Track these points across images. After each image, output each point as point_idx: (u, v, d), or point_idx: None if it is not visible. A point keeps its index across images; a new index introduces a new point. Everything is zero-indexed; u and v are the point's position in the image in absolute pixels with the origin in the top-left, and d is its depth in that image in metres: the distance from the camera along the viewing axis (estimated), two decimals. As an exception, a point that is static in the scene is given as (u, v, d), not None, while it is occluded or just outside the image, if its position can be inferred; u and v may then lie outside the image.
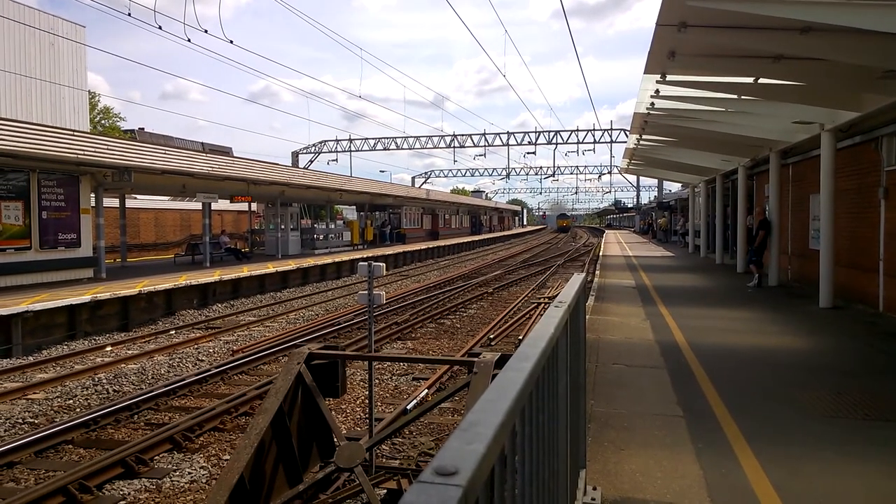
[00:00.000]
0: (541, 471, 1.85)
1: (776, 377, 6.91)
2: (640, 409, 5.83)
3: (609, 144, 50.77)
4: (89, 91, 31.49)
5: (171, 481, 6.07)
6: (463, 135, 52.10)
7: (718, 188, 23.54)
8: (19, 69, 23.23)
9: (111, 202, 24.88)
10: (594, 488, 3.95)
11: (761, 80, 10.67)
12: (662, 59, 9.40)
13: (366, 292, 6.17)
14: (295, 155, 55.41)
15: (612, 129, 50.16)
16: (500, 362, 4.65)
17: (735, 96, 12.22)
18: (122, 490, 5.91)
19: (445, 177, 73.96)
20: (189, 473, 6.25)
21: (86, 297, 13.52)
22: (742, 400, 6.04)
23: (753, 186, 21.06)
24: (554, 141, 51.10)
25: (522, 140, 51.83)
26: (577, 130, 50.62)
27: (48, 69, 24.63)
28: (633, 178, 69.52)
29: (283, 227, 28.66)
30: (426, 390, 8.55)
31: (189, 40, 16.83)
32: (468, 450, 0.99)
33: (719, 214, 23.49)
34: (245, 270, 20.52)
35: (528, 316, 14.64)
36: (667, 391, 6.40)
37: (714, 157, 20.20)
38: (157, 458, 6.60)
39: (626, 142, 32.24)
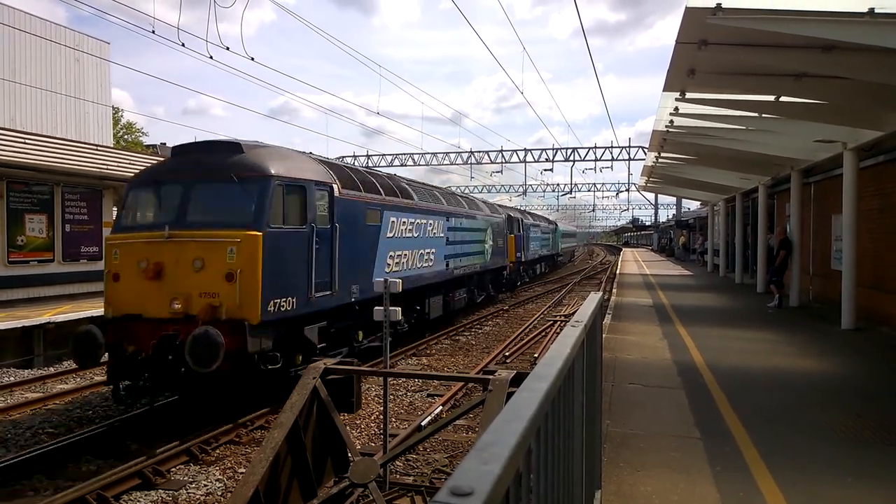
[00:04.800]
0: (556, 491, 1.84)
1: (796, 399, 6.80)
2: (656, 429, 5.76)
3: (627, 162, 50.42)
4: (113, 106, 32.02)
5: (188, 493, 6.10)
6: (480, 151, 52.15)
7: (738, 207, 23.33)
8: (45, 84, 23.69)
9: (133, 215, 25.16)
10: (610, 510, 3.90)
11: (783, 99, 10.61)
12: (682, 76, 9.39)
13: (381, 308, 6.18)
14: (314, 170, 55.79)
15: (630, 147, 49.81)
16: (516, 380, 4.64)
17: (756, 114, 12.14)
18: (138, 501, 5.96)
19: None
20: (205, 486, 6.27)
21: (106, 309, 13.67)
22: (761, 422, 5.95)
23: (774, 205, 20.85)
24: (571, 158, 50.95)
25: (540, 157, 51.68)
26: (595, 147, 50.37)
27: (73, 85, 25.08)
28: (651, 195, 69.02)
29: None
30: (441, 407, 8.52)
31: (211, 57, 17.03)
32: (484, 470, 0.99)
33: (739, 233, 23.26)
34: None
35: (543, 334, 14.56)
36: (684, 412, 6.32)
37: (734, 176, 20.06)
38: (173, 469, 6.64)
39: (644, 159, 32.13)
